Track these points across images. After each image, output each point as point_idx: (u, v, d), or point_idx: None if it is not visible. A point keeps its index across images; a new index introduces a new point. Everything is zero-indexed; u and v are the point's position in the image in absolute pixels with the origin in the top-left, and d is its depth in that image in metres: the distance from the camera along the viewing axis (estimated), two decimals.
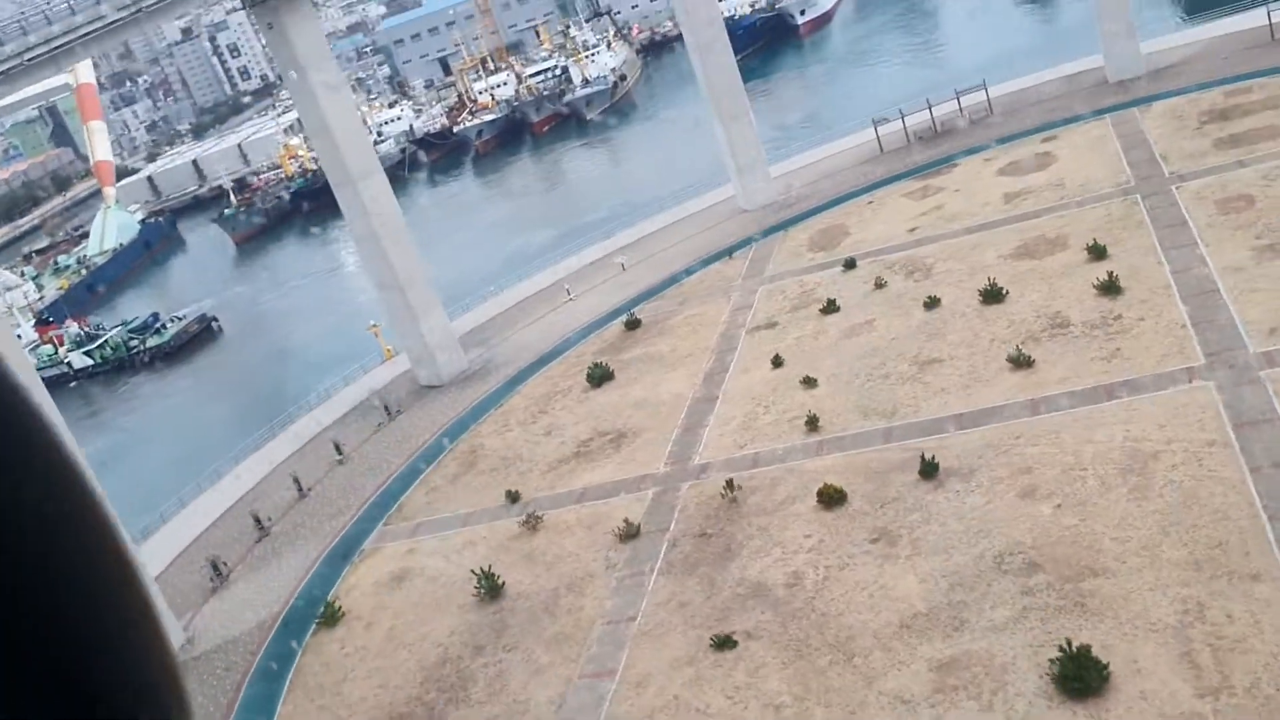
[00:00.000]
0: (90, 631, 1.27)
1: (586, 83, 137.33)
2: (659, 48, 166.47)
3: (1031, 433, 35.67)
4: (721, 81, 65.43)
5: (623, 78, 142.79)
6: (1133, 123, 58.56)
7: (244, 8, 52.77)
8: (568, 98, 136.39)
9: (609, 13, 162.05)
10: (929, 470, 35.20)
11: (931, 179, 61.38)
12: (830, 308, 49.50)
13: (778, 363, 46.36)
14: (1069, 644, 25.61)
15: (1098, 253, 45.15)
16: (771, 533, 35.74)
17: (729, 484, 38.03)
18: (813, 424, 40.57)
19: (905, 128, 68.40)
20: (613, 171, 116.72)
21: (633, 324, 56.37)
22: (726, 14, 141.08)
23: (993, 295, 44.86)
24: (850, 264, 53.49)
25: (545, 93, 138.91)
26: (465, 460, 49.24)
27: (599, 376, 51.22)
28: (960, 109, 68.02)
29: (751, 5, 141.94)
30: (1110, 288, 41.98)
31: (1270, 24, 62.15)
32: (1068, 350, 39.53)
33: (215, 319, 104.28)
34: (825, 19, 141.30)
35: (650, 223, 71.59)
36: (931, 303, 46.40)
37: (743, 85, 67.03)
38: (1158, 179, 50.57)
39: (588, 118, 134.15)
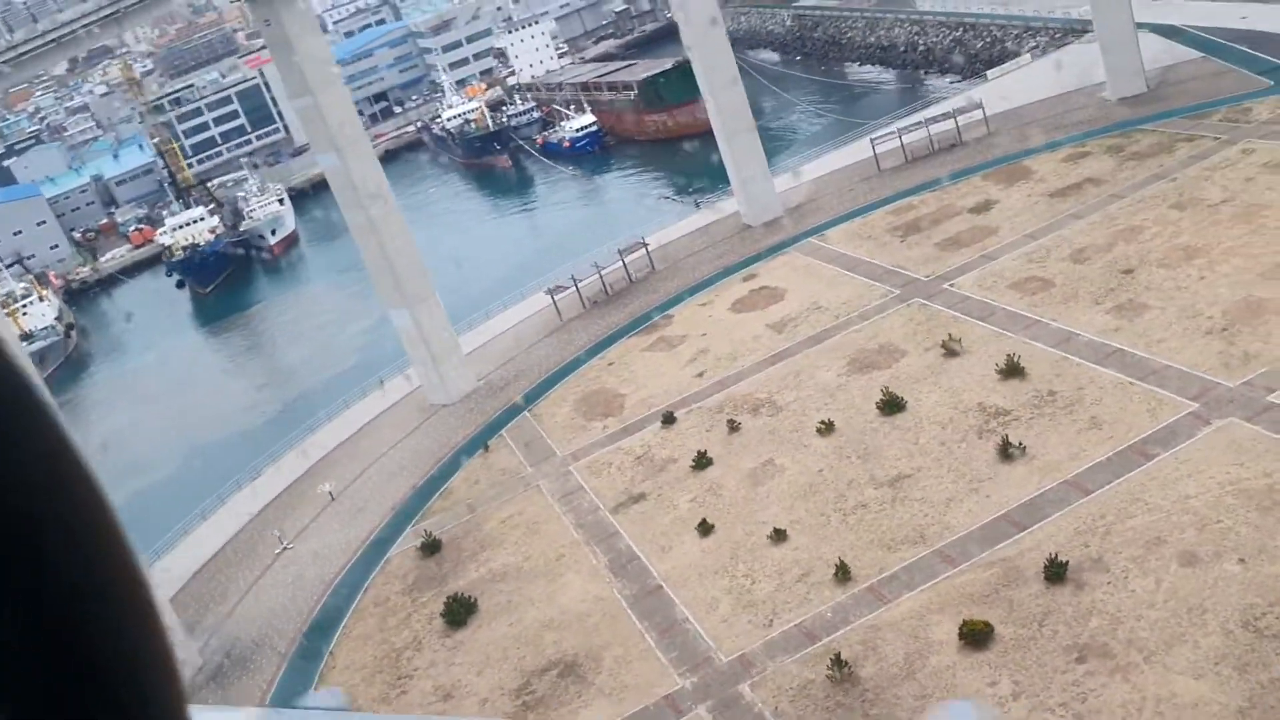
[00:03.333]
0: (97, 638, 1.25)
1: (29, 338, 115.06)
2: (78, 295, 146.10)
3: (1112, 509, 33.50)
4: (402, 265, 57.38)
5: (70, 327, 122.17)
6: (823, 249, 60.95)
7: None
8: None
9: (21, 260, 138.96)
10: (1057, 573, 31.38)
11: (655, 332, 58.43)
12: (702, 462, 43.88)
13: (707, 529, 39.64)
14: None
15: (950, 349, 45.19)
16: (938, 696, 29.30)
17: (836, 661, 30.81)
18: (843, 574, 34.72)
19: (579, 292, 65.06)
20: (122, 428, 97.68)
21: (432, 547, 45.52)
22: (184, 243, 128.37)
23: (892, 405, 42.67)
24: (669, 419, 48.33)
25: None
26: None
27: (460, 612, 40.16)
28: (625, 268, 66.38)
29: (213, 231, 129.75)
30: (1014, 370, 41.90)
31: (875, 155, 69.11)
32: (1041, 432, 38.32)
33: None
34: (293, 239, 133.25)
35: (318, 443, 59.78)
36: (825, 428, 42.99)
37: (426, 269, 59.43)
38: (921, 283, 52.53)
39: (43, 376, 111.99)
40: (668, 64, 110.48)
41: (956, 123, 68.57)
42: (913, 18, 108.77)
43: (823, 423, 43.22)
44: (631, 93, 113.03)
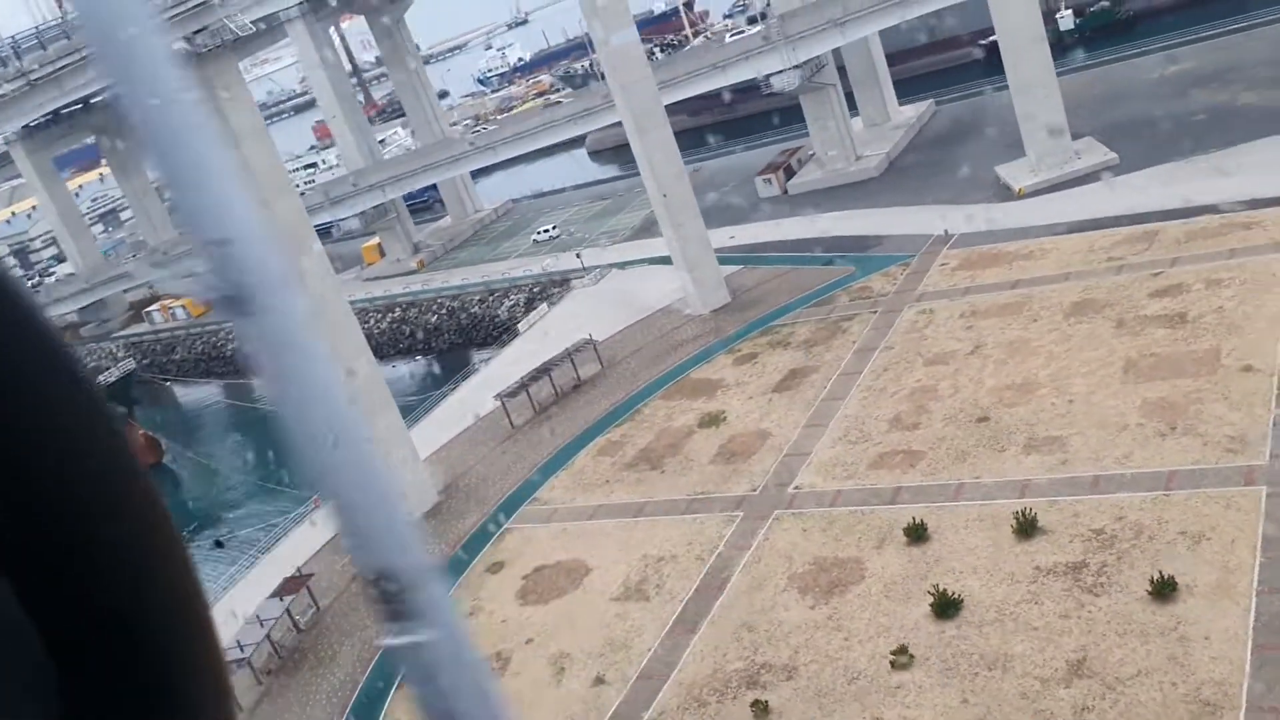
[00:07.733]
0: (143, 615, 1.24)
1: None
2: None
3: None
4: None
5: None
6: (560, 509, 50.71)
7: None
8: None
9: None
10: None
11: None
12: None
13: None
14: None
15: (915, 534, 39.49)
16: None
17: None
18: None
19: (251, 665, 45.55)
20: None
21: None
22: None
23: (947, 606, 35.40)
24: None
25: None
26: None
27: None
28: (291, 617, 48.38)
29: None
30: (1030, 527, 37.56)
31: (507, 411, 60.51)
32: (1155, 562, 34.15)
33: None
34: None
35: None
36: (902, 658, 34.02)
37: None
38: (755, 498, 45.60)
39: None
40: None
41: (574, 362, 63.32)
42: None
43: (894, 653, 34.25)
44: None
